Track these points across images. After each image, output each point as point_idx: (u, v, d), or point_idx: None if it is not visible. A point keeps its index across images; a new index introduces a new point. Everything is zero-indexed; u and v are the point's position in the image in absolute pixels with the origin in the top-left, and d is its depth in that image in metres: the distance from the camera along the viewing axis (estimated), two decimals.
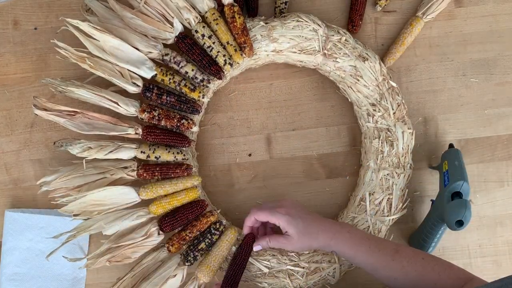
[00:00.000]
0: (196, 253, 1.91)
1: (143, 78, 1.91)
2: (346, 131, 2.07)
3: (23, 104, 2.04)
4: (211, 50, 1.91)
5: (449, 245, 2.05)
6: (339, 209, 2.06)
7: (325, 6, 2.07)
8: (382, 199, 1.94)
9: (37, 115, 1.84)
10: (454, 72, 2.06)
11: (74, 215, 1.89)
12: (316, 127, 2.08)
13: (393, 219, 1.94)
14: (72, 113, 1.87)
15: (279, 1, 2.02)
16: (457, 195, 1.84)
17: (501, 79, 2.06)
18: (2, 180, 2.04)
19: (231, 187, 2.07)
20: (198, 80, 1.91)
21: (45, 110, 1.85)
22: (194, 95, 1.92)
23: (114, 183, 1.92)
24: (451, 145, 1.98)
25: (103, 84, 1.91)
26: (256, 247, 1.85)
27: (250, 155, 2.07)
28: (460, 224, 1.78)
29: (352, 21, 2.02)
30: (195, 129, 1.96)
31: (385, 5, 2.04)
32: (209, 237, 1.92)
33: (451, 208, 1.81)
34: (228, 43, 1.91)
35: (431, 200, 1.96)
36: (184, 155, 1.93)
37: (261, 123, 2.07)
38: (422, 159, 2.05)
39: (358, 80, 1.93)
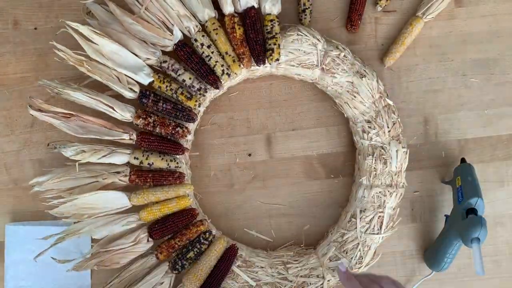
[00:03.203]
0: (184, 262, 1.82)
1: (140, 84, 1.81)
2: (346, 131, 1.98)
3: (23, 104, 1.94)
4: (209, 60, 1.80)
5: None
6: (339, 208, 1.97)
7: (325, 5, 1.97)
8: (373, 217, 1.83)
9: (32, 115, 1.75)
10: (454, 72, 1.97)
11: (65, 218, 1.80)
12: (316, 127, 1.98)
13: (383, 237, 1.84)
14: (68, 116, 1.77)
15: (307, 10, 1.92)
16: (472, 211, 1.75)
17: (501, 79, 1.97)
18: (2, 180, 1.95)
19: (231, 187, 1.98)
20: (195, 88, 1.81)
21: (41, 111, 1.75)
22: (191, 104, 1.81)
23: (106, 187, 1.82)
24: (463, 160, 1.90)
25: (100, 88, 1.81)
26: None
27: (250, 155, 1.98)
28: (477, 241, 1.66)
29: (351, 21, 1.92)
30: (189, 137, 1.87)
31: (386, 5, 1.95)
32: (198, 246, 1.83)
33: (467, 225, 1.71)
34: (226, 53, 1.81)
35: (445, 215, 1.88)
36: (178, 163, 1.83)
37: (261, 123, 1.98)
38: (422, 159, 1.96)
39: (354, 96, 1.83)
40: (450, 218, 1.84)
